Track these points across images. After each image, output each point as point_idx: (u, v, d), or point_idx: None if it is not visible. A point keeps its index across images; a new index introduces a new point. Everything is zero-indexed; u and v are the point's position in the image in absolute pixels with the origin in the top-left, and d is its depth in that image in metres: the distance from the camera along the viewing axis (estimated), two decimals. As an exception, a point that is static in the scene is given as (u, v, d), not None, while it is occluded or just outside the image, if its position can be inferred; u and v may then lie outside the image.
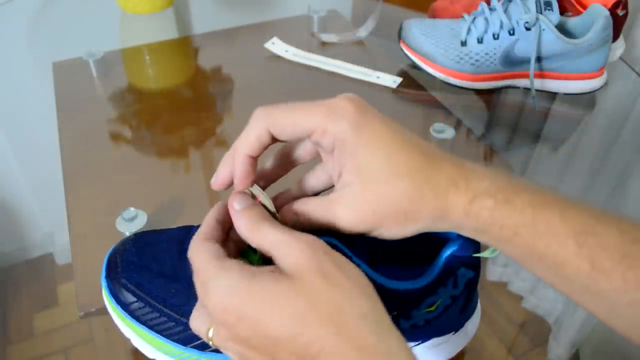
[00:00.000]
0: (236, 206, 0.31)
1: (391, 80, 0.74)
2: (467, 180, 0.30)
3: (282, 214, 0.35)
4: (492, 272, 0.53)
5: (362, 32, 0.83)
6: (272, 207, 0.34)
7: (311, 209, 0.33)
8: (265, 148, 0.33)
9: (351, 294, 0.27)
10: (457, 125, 0.67)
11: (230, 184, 0.34)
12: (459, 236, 0.37)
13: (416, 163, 0.30)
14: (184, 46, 0.85)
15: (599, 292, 0.29)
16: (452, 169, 0.31)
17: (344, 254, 0.34)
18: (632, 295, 0.28)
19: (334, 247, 0.34)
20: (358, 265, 0.35)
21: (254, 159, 0.33)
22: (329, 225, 0.33)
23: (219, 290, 0.27)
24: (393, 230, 0.32)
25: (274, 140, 0.33)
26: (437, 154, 0.31)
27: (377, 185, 0.30)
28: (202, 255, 0.29)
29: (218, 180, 0.34)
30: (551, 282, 0.31)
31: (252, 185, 0.34)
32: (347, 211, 0.31)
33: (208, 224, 0.32)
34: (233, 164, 0.33)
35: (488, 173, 0.31)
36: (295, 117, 0.31)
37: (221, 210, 0.33)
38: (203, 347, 0.38)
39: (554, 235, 0.29)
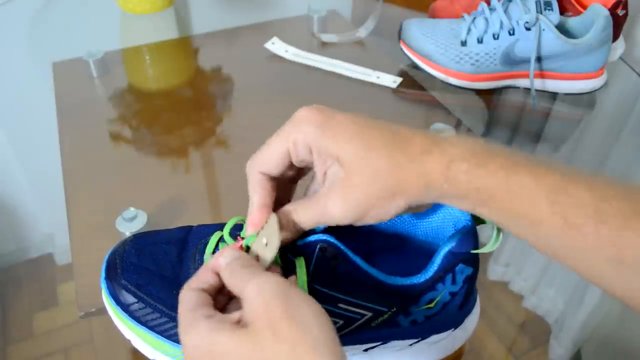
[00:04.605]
0: (222, 262, 0.32)
1: (391, 80, 0.74)
2: (440, 146, 0.31)
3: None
4: (493, 272, 0.53)
5: (362, 32, 0.83)
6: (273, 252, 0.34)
7: (301, 207, 0.34)
8: (275, 188, 0.36)
9: (298, 351, 0.27)
10: (457, 125, 0.67)
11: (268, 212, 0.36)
12: (457, 232, 0.37)
13: (386, 137, 0.32)
14: (184, 46, 0.85)
15: (575, 249, 0.29)
16: (423, 139, 0.32)
17: (340, 251, 0.34)
18: (607, 251, 0.28)
19: (330, 244, 0.34)
20: (356, 264, 0.35)
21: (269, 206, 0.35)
22: (321, 220, 0.33)
23: (188, 344, 0.29)
24: (385, 208, 0.32)
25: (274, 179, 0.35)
26: (407, 131, 0.33)
27: (356, 163, 0.32)
28: (182, 305, 0.31)
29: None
30: (532, 243, 0.32)
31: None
32: (338, 201, 0.32)
33: (203, 269, 0.33)
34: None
35: (461, 140, 0.32)
36: (270, 148, 0.34)
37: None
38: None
39: (528, 196, 0.30)
